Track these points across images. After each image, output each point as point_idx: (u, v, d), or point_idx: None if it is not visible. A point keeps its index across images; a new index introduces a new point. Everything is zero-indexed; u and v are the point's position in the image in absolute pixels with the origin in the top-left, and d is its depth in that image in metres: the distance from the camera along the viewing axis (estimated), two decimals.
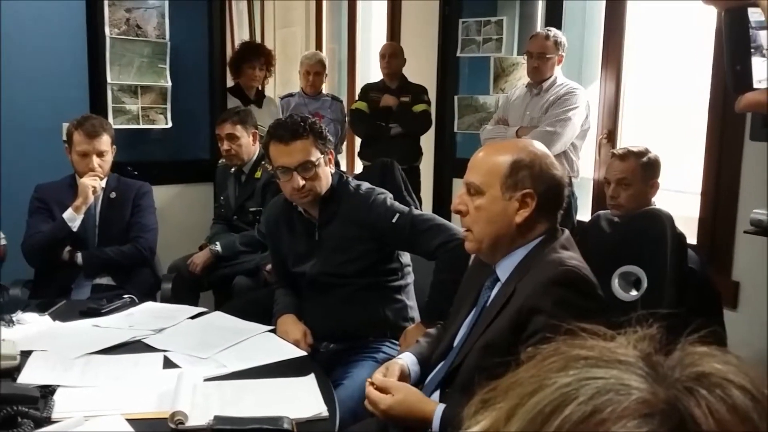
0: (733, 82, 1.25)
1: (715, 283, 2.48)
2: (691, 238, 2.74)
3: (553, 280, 1.41)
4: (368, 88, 4.60)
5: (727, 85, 1.36)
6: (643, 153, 2.65)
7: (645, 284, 2.07)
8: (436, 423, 1.45)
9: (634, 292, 2.28)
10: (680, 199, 3.22)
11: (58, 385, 1.65)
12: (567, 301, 1.38)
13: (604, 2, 3.66)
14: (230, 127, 3.32)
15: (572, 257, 1.49)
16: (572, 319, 1.41)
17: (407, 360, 1.73)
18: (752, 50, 1.21)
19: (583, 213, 3.63)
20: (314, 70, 4.64)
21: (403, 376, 1.67)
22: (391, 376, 1.62)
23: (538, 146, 1.58)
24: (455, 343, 1.64)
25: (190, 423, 1.48)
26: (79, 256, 2.82)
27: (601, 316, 1.40)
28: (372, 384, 1.58)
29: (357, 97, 4.72)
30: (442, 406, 1.44)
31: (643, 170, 2.63)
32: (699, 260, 2.46)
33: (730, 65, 1.23)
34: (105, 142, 2.83)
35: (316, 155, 2.12)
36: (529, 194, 1.49)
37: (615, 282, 2.30)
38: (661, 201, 2.65)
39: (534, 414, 0.47)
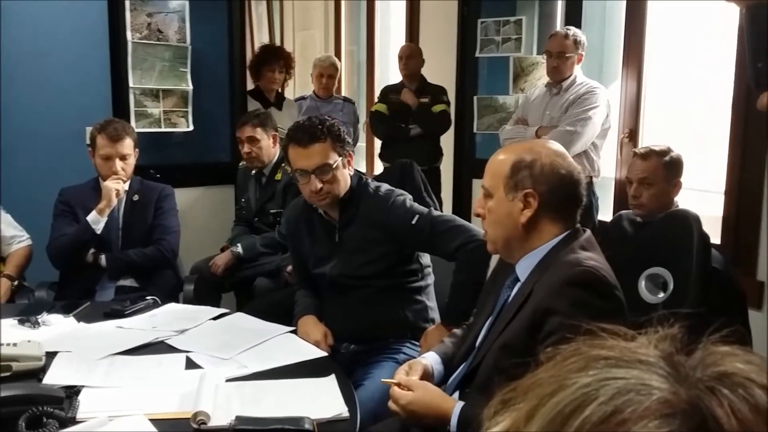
0: (755, 79, 1.23)
1: (740, 283, 2.45)
2: (715, 238, 2.71)
3: (568, 280, 1.40)
4: (388, 90, 4.61)
5: (749, 82, 1.34)
6: (666, 152, 2.62)
7: (671, 286, 2.05)
8: (453, 421, 1.45)
9: (661, 294, 2.26)
10: (703, 198, 3.18)
11: (83, 386, 1.68)
12: (583, 301, 1.37)
13: (624, 0, 3.63)
14: (250, 129, 3.34)
15: (591, 257, 1.47)
16: (588, 319, 1.40)
17: (431, 359, 1.73)
18: None
19: (605, 213, 3.60)
20: (327, 73, 4.66)
21: (426, 375, 1.67)
22: (414, 375, 1.63)
23: (550, 146, 1.57)
24: (477, 343, 1.64)
25: (212, 423, 1.49)
26: (103, 259, 2.86)
27: (619, 317, 1.40)
28: (393, 383, 1.58)
29: (376, 99, 4.74)
30: (460, 404, 1.44)
31: (665, 169, 2.60)
32: (723, 260, 2.44)
33: (752, 62, 1.22)
34: (128, 145, 2.87)
35: (334, 158, 2.13)
36: (530, 194, 1.49)
37: (642, 284, 2.28)
38: (683, 200, 2.62)
39: (554, 414, 0.46)
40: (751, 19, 1.14)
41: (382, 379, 1.65)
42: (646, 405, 0.45)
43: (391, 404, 1.57)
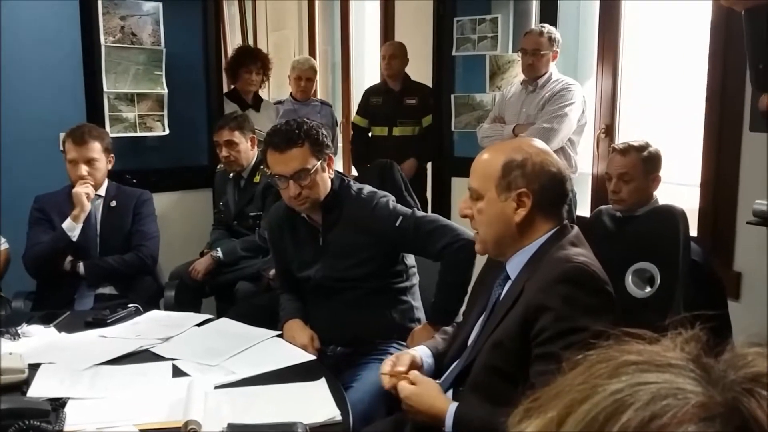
0: (756, 81, 1.25)
1: (719, 274, 2.49)
2: (692, 230, 2.74)
3: (559, 277, 1.41)
4: (369, 93, 4.56)
5: (750, 83, 1.36)
6: (644, 147, 2.65)
7: (658, 280, 2.07)
8: (449, 422, 1.45)
9: (648, 289, 2.29)
10: (679, 191, 3.22)
11: (69, 398, 1.65)
12: (574, 298, 1.39)
13: None
14: (228, 133, 3.32)
15: (580, 253, 1.49)
16: (580, 315, 1.42)
17: (421, 352, 1.74)
18: None
19: (582, 208, 3.63)
20: (306, 76, 4.61)
21: (415, 366, 1.68)
22: (401, 365, 1.64)
23: (536, 144, 1.58)
24: (469, 342, 1.64)
25: (203, 431, 1.47)
26: (81, 266, 2.82)
27: (609, 312, 1.41)
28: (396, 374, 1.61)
29: (357, 106, 4.69)
30: (455, 405, 1.45)
31: (644, 164, 2.63)
32: (702, 252, 2.47)
33: (753, 64, 1.23)
34: (94, 149, 2.82)
35: (312, 162, 2.10)
36: (524, 193, 1.50)
37: (629, 279, 2.30)
38: (660, 193, 2.65)
39: (588, 420, 0.46)
40: (750, 21, 1.15)
41: (382, 372, 1.66)
42: (685, 409, 0.44)
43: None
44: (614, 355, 0.50)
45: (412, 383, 1.56)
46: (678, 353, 0.50)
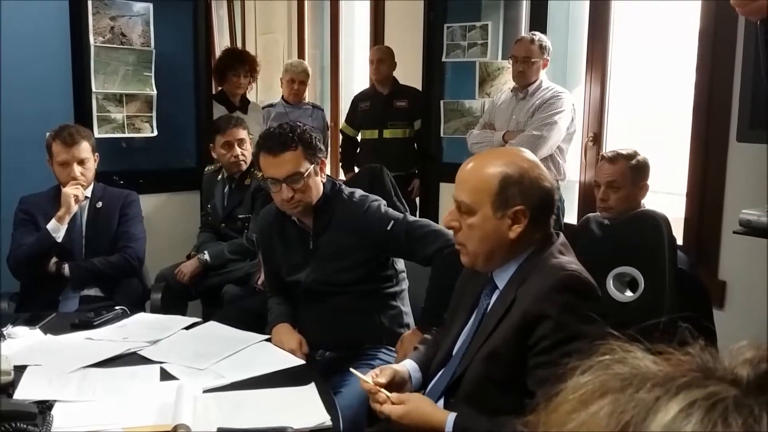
0: None
1: (704, 282, 2.51)
2: (678, 239, 2.77)
3: (556, 285, 1.41)
4: (358, 99, 4.59)
5: (765, 94, 1.37)
6: (632, 155, 2.67)
7: (642, 285, 2.08)
8: (449, 431, 1.44)
9: (629, 293, 2.30)
10: (666, 200, 3.25)
11: (56, 400, 1.63)
12: (572, 305, 1.39)
13: (588, 5, 3.69)
14: (242, 132, 3.32)
15: (571, 262, 1.50)
16: (579, 323, 1.42)
17: (408, 366, 1.73)
18: None
19: (570, 216, 3.65)
20: (299, 79, 4.62)
21: (401, 380, 1.66)
22: (382, 378, 1.60)
23: (526, 156, 1.54)
24: (454, 351, 1.63)
25: None
26: (66, 268, 2.79)
27: (604, 317, 1.42)
28: (374, 388, 1.56)
29: (346, 114, 4.71)
30: (453, 415, 1.44)
31: (632, 172, 2.65)
32: (687, 260, 2.49)
33: (767, 74, 1.24)
34: (84, 149, 2.80)
35: (305, 166, 2.10)
36: (521, 211, 1.47)
37: (610, 283, 2.32)
38: (647, 202, 2.67)
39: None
40: (766, 32, 1.17)
41: (353, 370, 1.64)
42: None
43: (376, 407, 1.55)
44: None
45: (395, 403, 1.50)
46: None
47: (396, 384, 1.64)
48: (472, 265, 1.58)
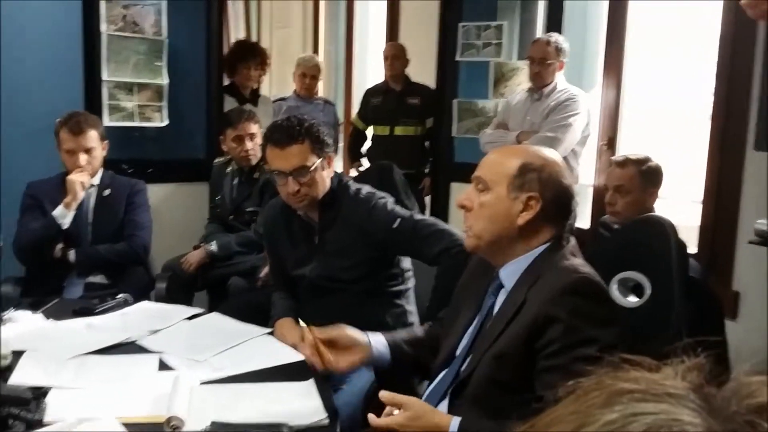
0: None
1: (716, 292, 2.46)
2: (691, 247, 2.72)
3: (568, 288, 1.38)
4: (370, 93, 4.60)
5: None
6: (643, 161, 2.64)
7: (648, 290, 2.04)
8: None
9: (633, 298, 2.26)
10: (681, 207, 3.20)
11: (51, 387, 1.61)
12: (583, 309, 1.36)
13: (606, 6, 3.64)
14: (253, 126, 3.29)
15: (584, 264, 1.47)
16: (589, 327, 1.38)
17: (373, 339, 1.71)
18: None
19: (582, 220, 3.61)
20: (311, 73, 4.62)
21: (349, 343, 1.67)
22: (322, 335, 1.65)
23: (552, 154, 1.56)
24: (458, 352, 1.60)
25: (187, 428, 1.44)
26: (72, 254, 2.78)
27: (617, 322, 1.39)
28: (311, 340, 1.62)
29: (359, 107, 4.72)
30: (457, 420, 1.40)
31: (641, 178, 2.61)
32: (699, 269, 2.45)
33: None
34: (91, 138, 2.79)
35: (312, 160, 2.08)
36: (534, 197, 1.47)
37: (614, 288, 2.27)
38: (660, 209, 2.63)
39: None
40: None
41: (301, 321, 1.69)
42: None
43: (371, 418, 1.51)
44: (608, 383, 0.47)
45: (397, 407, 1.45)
46: (679, 382, 0.47)
47: (341, 346, 1.67)
48: (475, 249, 1.57)
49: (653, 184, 2.66)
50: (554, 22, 3.76)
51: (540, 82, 3.46)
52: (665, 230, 2.18)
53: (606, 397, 0.46)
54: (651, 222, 2.32)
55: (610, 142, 3.60)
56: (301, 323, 1.71)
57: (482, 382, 1.44)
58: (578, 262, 1.46)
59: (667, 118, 3.55)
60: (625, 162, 2.66)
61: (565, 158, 3.34)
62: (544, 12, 3.91)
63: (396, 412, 1.41)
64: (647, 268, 2.15)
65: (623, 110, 3.60)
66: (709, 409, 0.44)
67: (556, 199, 1.49)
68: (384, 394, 1.44)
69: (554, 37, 3.46)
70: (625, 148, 3.51)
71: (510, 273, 1.52)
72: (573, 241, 1.54)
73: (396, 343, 1.74)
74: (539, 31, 3.86)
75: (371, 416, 1.43)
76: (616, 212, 2.67)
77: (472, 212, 1.54)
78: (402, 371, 1.82)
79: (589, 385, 0.48)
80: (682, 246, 2.21)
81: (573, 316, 1.35)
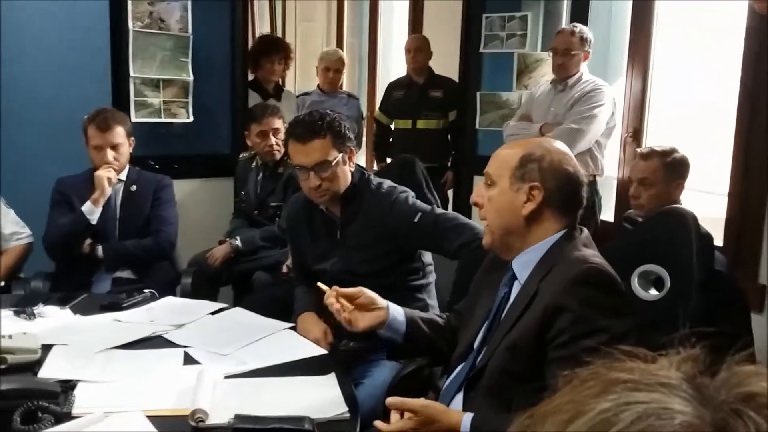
0: None
1: (742, 285, 2.42)
2: (717, 240, 2.68)
3: (578, 278, 1.38)
4: (392, 87, 4.57)
5: None
6: (669, 153, 2.60)
7: (668, 284, 2.02)
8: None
9: (654, 292, 2.24)
10: (707, 199, 3.16)
11: (79, 380, 1.65)
12: (593, 299, 1.36)
13: None
14: (277, 122, 3.32)
15: (595, 255, 1.47)
16: (599, 318, 1.38)
17: (392, 306, 1.72)
18: None
19: (606, 212, 3.58)
20: (334, 67, 4.61)
21: (367, 301, 1.69)
22: (343, 289, 1.67)
23: (557, 145, 1.56)
24: (475, 345, 1.61)
25: (211, 421, 1.46)
26: (100, 249, 2.83)
27: (629, 313, 1.38)
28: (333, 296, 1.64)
29: (380, 101, 4.71)
30: (469, 416, 1.41)
31: (666, 170, 2.58)
32: (725, 262, 2.42)
33: None
34: (118, 134, 2.83)
35: (333, 155, 2.09)
36: (536, 187, 1.48)
37: (635, 281, 2.25)
38: (686, 201, 2.60)
39: None
40: None
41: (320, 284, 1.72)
42: (668, 430, 0.43)
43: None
44: (604, 373, 0.49)
45: (410, 411, 1.43)
46: (673, 372, 0.48)
47: (361, 306, 1.68)
48: (490, 245, 1.58)
49: (679, 175, 2.62)
50: (579, 12, 3.72)
51: (564, 73, 3.43)
52: (687, 222, 2.15)
53: (601, 386, 0.47)
54: (673, 214, 2.30)
55: (635, 134, 3.56)
56: (322, 285, 1.73)
57: (495, 374, 1.45)
58: (590, 253, 1.46)
59: (694, 109, 3.49)
60: (650, 154, 2.63)
61: (589, 149, 3.33)
62: (569, 1, 3.87)
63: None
64: (669, 261, 2.13)
65: (649, 101, 3.55)
66: (701, 398, 0.45)
67: (561, 188, 1.49)
68: (393, 401, 1.43)
69: (579, 27, 3.42)
70: (652, 140, 3.46)
71: (523, 264, 1.53)
72: (585, 232, 1.54)
73: (413, 318, 1.75)
74: (564, 21, 3.82)
75: (379, 423, 1.43)
76: (640, 205, 2.64)
77: (484, 208, 1.56)
78: (416, 350, 1.83)
79: (585, 375, 0.50)
80: (706, 238, 2.18)
81: (583, 305, 1.35)
